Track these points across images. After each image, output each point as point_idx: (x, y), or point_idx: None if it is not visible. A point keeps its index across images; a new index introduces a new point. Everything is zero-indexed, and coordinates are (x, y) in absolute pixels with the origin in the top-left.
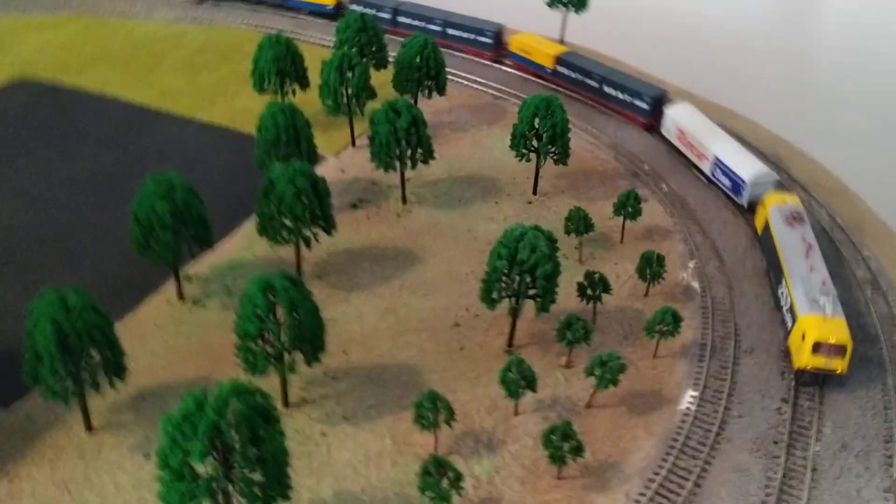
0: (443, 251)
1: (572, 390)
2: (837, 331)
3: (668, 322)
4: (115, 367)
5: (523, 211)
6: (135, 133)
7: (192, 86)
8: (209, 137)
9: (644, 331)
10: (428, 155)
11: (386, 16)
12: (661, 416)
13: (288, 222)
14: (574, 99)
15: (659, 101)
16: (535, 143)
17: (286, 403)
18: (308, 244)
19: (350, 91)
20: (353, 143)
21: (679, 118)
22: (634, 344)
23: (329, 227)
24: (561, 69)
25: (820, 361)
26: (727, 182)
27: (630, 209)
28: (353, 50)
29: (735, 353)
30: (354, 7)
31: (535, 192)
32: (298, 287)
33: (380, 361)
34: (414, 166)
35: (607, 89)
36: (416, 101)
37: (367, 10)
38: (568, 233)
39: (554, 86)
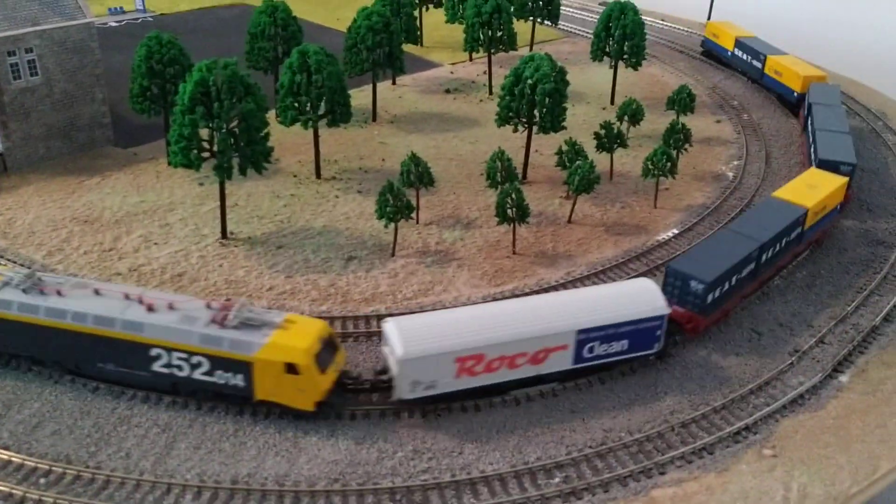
0: None
1: (561, 211)
2: None
3: (660, 160)
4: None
5: (598, 115)
6: (306, 38)
7: None
8: None
9: (641, 174)
10: (511, 44)
11: None
12: (635, 240)
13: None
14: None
15: None
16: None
17: (318, 175)
18: (378, 78)
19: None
20: (471, 59)
21: None
22: (640, 197)
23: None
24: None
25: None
26: None
27: (682, 104)
28: None
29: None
30: None
31: (612, 102)
32: (329, 56)
33: None
34: (496, 51)
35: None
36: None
37: None
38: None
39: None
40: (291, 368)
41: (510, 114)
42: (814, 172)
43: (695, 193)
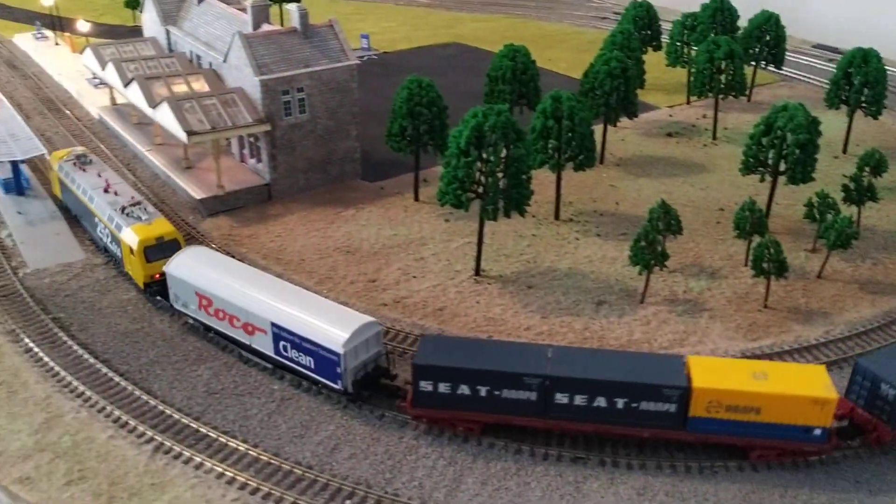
0: (733, 170)
1: (808, 265)
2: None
3: None
4: (441, 143)
5: (830, 164)
6: None
7: (573, 58)
8: (570, 85)
9: None
10: (740, 90)
11: None
12: (893, 300)
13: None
14: None
15: None
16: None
17: (557, 217)
18: (613, 122)
19: (687, 47)
20: (688, 102)
21: None
22: (891, 253)
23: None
24: None
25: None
26: None
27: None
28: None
29: None
30: None
31: (844, 151)
32: (580, 102)
33: (642, 214)
34: (725, 97)
35: None
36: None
37: None
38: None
39: None
40: (129, 251)
41: (757, 163)
42: None
43: None
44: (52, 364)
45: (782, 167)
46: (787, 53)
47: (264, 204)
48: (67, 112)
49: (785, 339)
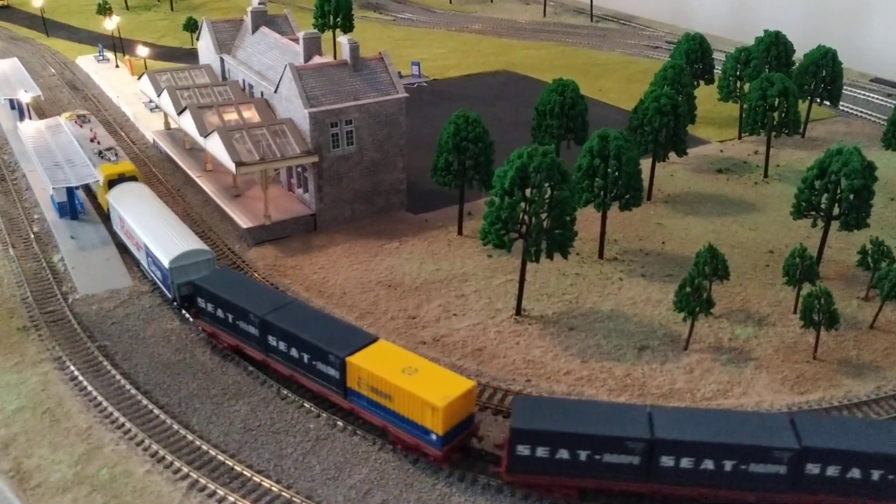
0: (784, 210)
1: (861, 314)
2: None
3: None
4: (487, 178)
5: (886, 206)
6: None
7: (623, 89)
8: (620, 116)
9: None
10: (794, 128)
11: None
12: None
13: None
14: None
15: None
16: None
17: (601, 255)
18: (662, 159)
19: (740, 82)
20: (740, 137)
21: None
22: None
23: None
24: None
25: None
26: None
27: None
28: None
29: None
30: None
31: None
32: (628, 142)
33: (689, 254)
34: (778, 134)
35: None
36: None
37: None
38: None
39: None
40: (97, 183)
41: (809, 207)
42: None
43: None
44: (95, 394)
45: (835, 211)
46: (844, 88)
47: (309, 234)
48: (123, 134)
49: (834, 394)
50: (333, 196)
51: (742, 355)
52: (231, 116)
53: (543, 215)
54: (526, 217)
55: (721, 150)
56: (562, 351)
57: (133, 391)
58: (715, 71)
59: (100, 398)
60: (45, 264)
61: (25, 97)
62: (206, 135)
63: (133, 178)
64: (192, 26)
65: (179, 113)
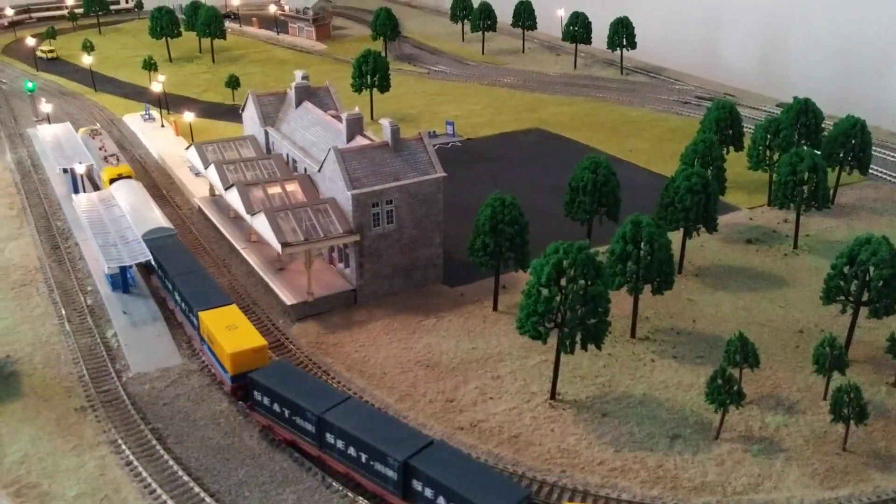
0: (814, 285)
1: (891, 401)
2: None
3: None
4: (522, 257)
5: None
6: None
7: (653, 149)
8: (650, 180)
9: None
10: (822, 203)
11: None
12: None
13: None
14: None
15: None
16: None
17: (633, 335)
18: (691, 235)
19: (770, 151)
20: (769, 203)
21: None
22: None
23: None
24: None
25: None
26: None
27: None
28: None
29: None
30: None
31: None
32: (659, 228)
33: (719, 334)
34: (807, 209)
35: None
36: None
37: None
38: None
39: None
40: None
41: (839, 293)
42: None
43: None
44: (149, 480)
45: (864, 297)
46: (873, 149)
47: (350, 308)
48: (169, 198)
49: (864, 490)
50: (373, 272)
51: (773, 445)
52: (275, 191)
53: (578, 308)
54: (561, 307)
55: (751, 218)
56: (595, 439)
57: (185, 478)
58: (746, 130)
59: (154, 485)
60: (100, 339)
61: (80, 168)
62: (252, 214)
63: (129, 177)
64: (233, 83)
65: (226, 189)
